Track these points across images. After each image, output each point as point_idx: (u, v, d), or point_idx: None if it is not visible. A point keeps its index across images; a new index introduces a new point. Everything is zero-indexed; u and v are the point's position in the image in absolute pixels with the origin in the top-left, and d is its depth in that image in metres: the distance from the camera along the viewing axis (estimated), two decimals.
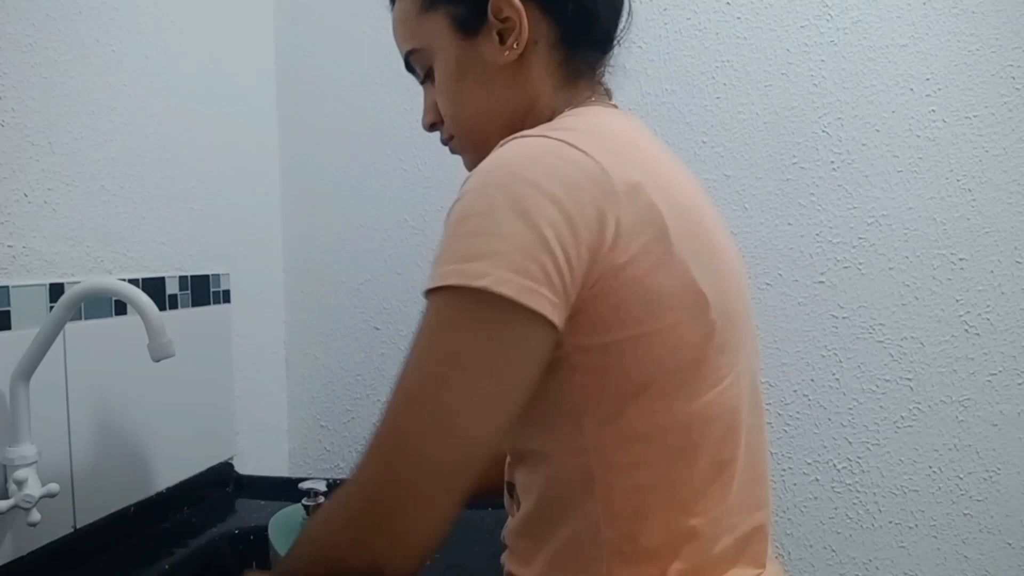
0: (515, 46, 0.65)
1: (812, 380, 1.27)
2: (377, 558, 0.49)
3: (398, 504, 0.49)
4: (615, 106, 0.72)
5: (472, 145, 0.71)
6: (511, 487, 0.69)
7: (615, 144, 0.59)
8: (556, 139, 0.56)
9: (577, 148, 0.55)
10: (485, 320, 0.51)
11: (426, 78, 0.72)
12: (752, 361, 0.65)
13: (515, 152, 0.56)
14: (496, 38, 0.66)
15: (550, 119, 0.65)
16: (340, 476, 1.45)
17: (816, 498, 1.28)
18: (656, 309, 0.56)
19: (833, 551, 1.28)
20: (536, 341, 0.52)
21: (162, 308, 1.00)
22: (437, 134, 0.74)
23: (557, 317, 0.52)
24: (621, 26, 0.71)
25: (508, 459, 0.69)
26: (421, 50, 0.70)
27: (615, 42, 0.71)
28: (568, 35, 0.67)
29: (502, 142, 0.58)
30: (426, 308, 0.53)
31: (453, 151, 0.74)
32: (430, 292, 0.53)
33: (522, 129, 0.67)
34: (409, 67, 0.73)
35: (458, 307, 0.52)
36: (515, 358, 0.52)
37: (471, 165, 0.72)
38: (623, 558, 0.59)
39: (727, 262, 0.62)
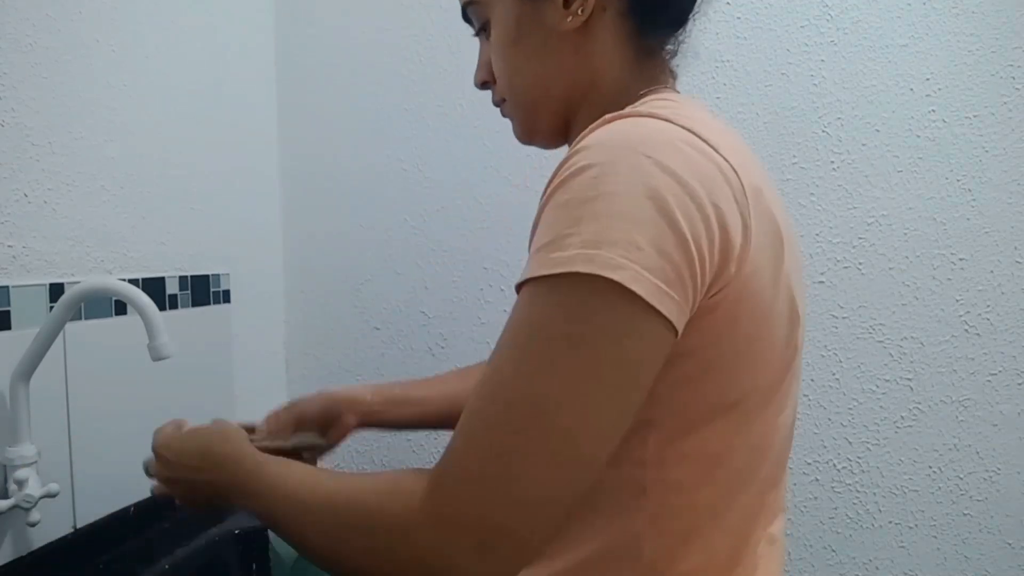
0: (580, 12, 0.59)
1: (812, 380, 1.27)
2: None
3: (496, 533, 0.44)
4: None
5: (522, 114, 0.66)
6: None
7: (731, 143, 0.52)
8: (683, 127, 0.50)
9: (706, 141, 0.49)
10: (615, 321, 0.44)
11: (481, 30, 0.67)
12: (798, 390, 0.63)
13: (642, 133, 0.49)
14: (561, 1, 0.60)
15: (619, 97, 0.60)
16: None
17: (816, 498, 1.28)
18: (766, 326, 0.51)
19: (833, 551, 1.28)
20: (660, 349, 0.46)
21: (162, 308, 1.00)
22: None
23: (682, 324, 0.46)
24: (696, 7, 0.65)
25: None
26: (479, 3, 0.64)
27: (689, 19, 0.65)
28: (640, 9, 0.61)
29: (608, 117, 0.52)
30: (532, 296, 0.46)
31: (503, 115, 0.69)
32: (543, 279, 0.45)
33: (582, 104, 0.62)
34: (466, 17, 0.67)
35: (584, 300, 0.44)
36: (640, 368, 0.46)
37: (520, 134, 0.68)
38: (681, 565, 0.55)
39: (804, 280, 0.60)
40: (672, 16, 0.64)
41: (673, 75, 0.66)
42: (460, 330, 1.41)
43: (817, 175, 1.26)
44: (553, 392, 0.44)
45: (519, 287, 0.48)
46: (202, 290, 1.22)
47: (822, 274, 1.26)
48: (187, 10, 1.20)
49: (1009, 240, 1.20)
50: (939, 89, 1.21)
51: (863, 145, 1.24)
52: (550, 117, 0.64)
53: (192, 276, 1.19)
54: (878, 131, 1.23)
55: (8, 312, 0.86)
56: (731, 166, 0.49)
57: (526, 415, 0.44)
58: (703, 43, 1.29)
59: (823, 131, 1.25)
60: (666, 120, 0.50)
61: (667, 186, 0.45)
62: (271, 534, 0.94)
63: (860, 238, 1.25)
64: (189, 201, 1.20)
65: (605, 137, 0.49)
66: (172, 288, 1.14)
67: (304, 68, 1.46)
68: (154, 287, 1.10)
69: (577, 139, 0.51)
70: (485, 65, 0.67)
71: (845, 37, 1.23)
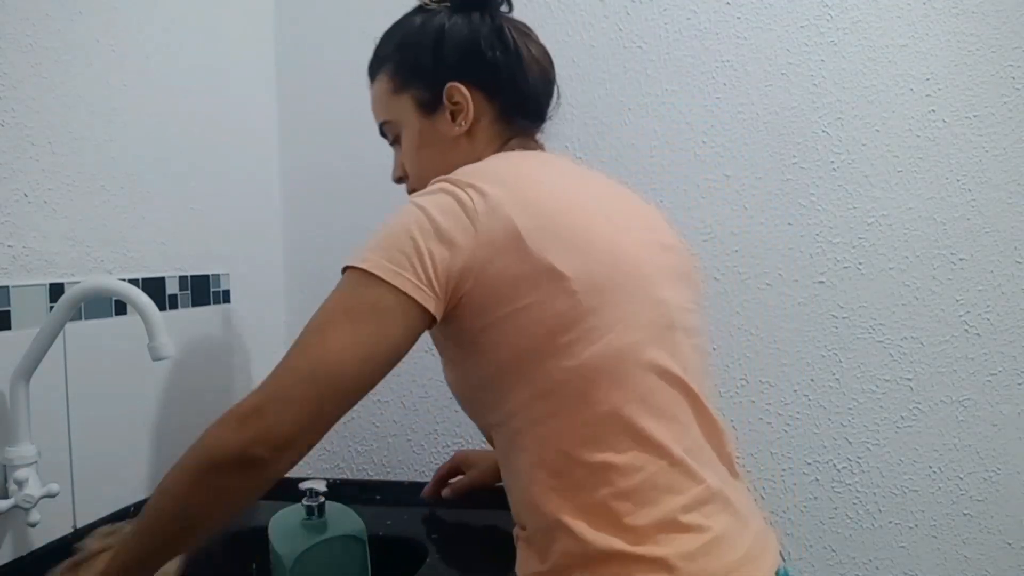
0: (463, 123, 0.85)
1: (812, 380, 1.28)
2: (248, 446, 0.65)
3: (274, 401, 0.66)
4: (541, 148, 0.92)
5: None
6: None
7: (492, 175, 0.75)
8: (450, 179, 0.75)
9: (457, 182, 0.74)
10: (362, 288, 0.71)
11: (395, 142, 0.93)
12: (653, 320, 0.76)
13: (425, 191, 0.76)
14: (449, 117, 0.86)
15: None
16: (340, 476, 1.45)
17: (816, 498, 1.28)
18: (519, 290, 0.71)
19: (833, 551, 1.28)
20: (399, 311, 0.69)
21: (162, 308, 1.00)
22: None
23: (421, 296, 0.69)
24: (552, 103, 0.92)
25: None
26: (392, 122, 0.91)
27: (547, 116, 0.92)
28: (506, 112, 0.87)
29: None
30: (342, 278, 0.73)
31: None
32: (347, 267, 0.73)
33: None
34: (383, 132, 0.94)
35: (350, 279, 0.72)
36: (379, 317, 0.69)
37: None
38: (561, 493, 0.72)
39: (604, 245, 0.75)
40: (531, 115, 0.90)
41: (539, 145, 0.93)
42: None
43: (817, 175, 1.26)
44: (318, 324, 0.71)
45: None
46: (202, 290, 1.22)
47: (822, 274, 1.26)
48: (187, 10, 1.20)
49: (1009, 240, 1.20)
50: (939, 89, 1.21)
51: (863, 145, 1.24)
52: None
53: (192, 276, 1.19)
54: (878, 131, 1.23)
55: (8, 312, 0.86)
56: (468, 194, 0.72)
57: (308, 333, 0.70)
58: (703, 43, 1.29)
59: (823, 131, 1.25)
60: (446, 180, 0.75)
61: (413, 214, 0.72)
62: (271, 534, 0.94)
63: (860, 238, 1.25)
64: (189, 201, 1.20)
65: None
66: (172, 288, 1.14)
67: (304, 68, 1.46)
68: (154, 287, 1.10)
69: None
70: (400, 165, 0.93)
71: (845, 37, 1.24)
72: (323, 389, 0.67)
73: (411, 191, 0.91)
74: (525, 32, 0.90)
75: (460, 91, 0.85)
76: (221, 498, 0.67)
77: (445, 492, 1.15)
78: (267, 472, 0.66)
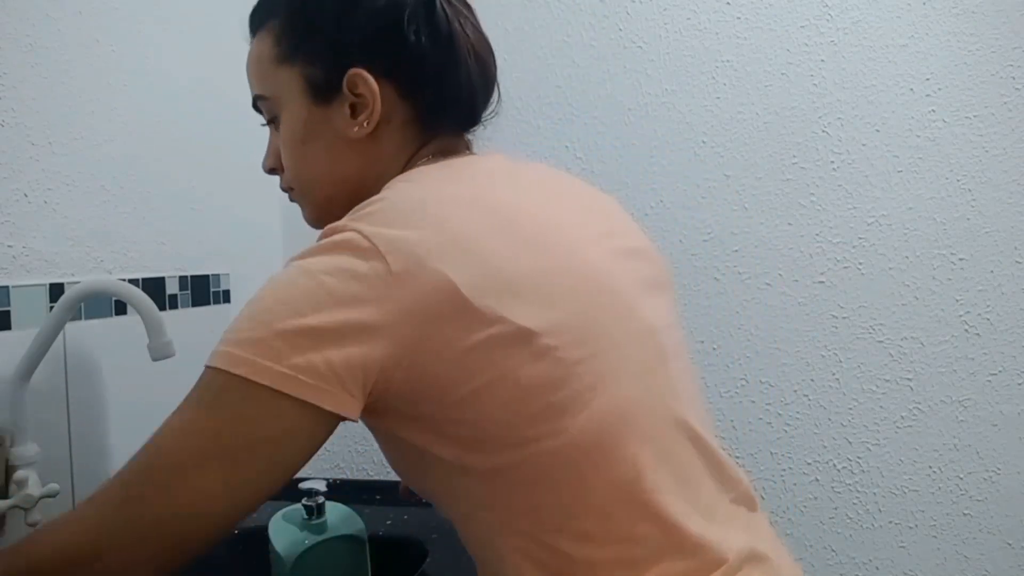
0: (366, 124, 0.65)
1: (812, 380, 1.28)
2: None
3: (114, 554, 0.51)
4: (467, 148, 0.72)
5: (311, 206, 0.72)
6: None
7: (407, 212, 0.56)
8: (352, 229, 0.55)
9: (358, 231, 0.54)
10: (244, 404, 0.53)
11: (271, 122, 0.72)
12: (645, 360, 0.60)
13: (315, 247, 0.56)
14: (348, 111, 0.65)
15: None
16: (340, 476, 1.45)
17: (816, 498, 1.28)
18: (472, 367, 0.53)
19: (833, 551, 1.28)
20: (300, 428, 0.53)
21: (162, 308, 1.00)
22: None
23: (333, 403, 0.51)
24: (490, 105, 0.71)
25: None
26: (270, 99, 0.69)
27: (481, 120, 0.71)
28: (426, 116, 0.67)
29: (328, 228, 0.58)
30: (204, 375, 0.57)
31: (292, 199, 0.74)
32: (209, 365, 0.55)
33: (369, 196, 0.64)
34: (255, 106, 0.72)
35: (223, 387, 0.55)
36: (271, 446, 0.53)
37: (310, 218, 0.72)
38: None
39: (571, 274, 0.58)
40: (461, 121, 0.70)
41: (464, 140, 0.72)
42: None
43: (817, 175, 1.26)
44: (173, 460, 0.58)
45: None
46: (202, 290, 1.22)
47: (822, 274, 1.26)
48: (187, 9, 1.20)
49: (1009, 240, 1.20)
50: (939, 89, 1.21)
51: (863, 145, 1.24)
52: (340, 210, 0.64)
53: (192, 276, 1.19)
54: (878, 131, 1.23)
55: (8, 312, 0.86)
56: (382, 255, 0.52)
57: (145, 473, 0.58)
58: (703, 43, 1.29)
59: (823, 131, 1.25)
60: (340, 228, 0.55)
61: (310, 292, 0.52)
62: (271, 534, 0.94)
63: (860, 238, 1.25)
64: (189, 201, 1.20)
65: (302, 253, 0.56)
66: (172, 288, 1.14)
67: None
68: (154, 287, 1.10)
69: None
70: (274, 153, 0.72)
71: (845, 37, 1.24)
72: (176, 543, 0.53)
73: (286, 188, 0.72)
74: (462, 8, 0.68)
75: (366, 81, 0.64)
76: None
77: None
78: None
